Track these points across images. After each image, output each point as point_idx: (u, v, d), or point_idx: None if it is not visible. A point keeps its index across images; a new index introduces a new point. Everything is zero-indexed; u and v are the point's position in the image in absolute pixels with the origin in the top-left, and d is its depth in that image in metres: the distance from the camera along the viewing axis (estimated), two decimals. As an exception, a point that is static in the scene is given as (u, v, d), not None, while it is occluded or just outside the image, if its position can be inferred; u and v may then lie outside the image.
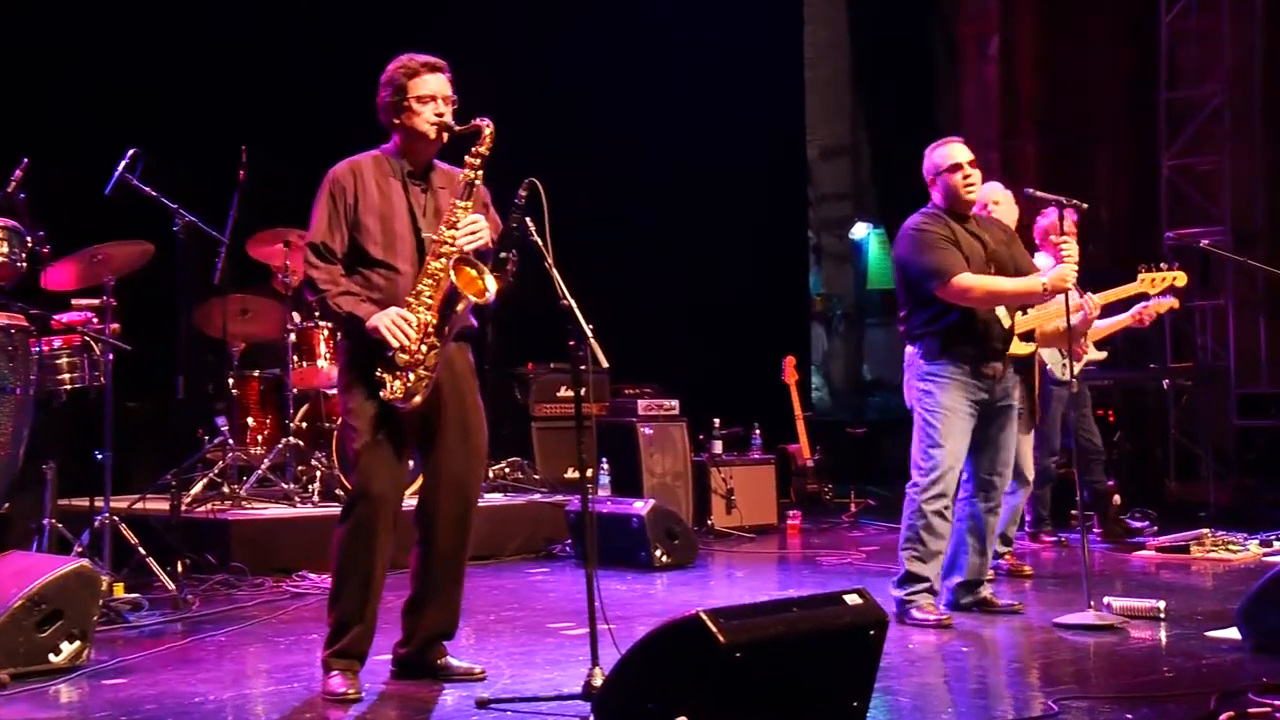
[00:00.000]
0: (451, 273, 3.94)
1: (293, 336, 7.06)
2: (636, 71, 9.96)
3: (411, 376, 3.93)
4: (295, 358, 7.07)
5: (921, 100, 12.02)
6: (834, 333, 12.76)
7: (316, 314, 7.03)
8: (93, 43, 7.78)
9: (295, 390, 7.07)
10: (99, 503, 5.59)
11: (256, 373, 7.27)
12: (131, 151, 5.95)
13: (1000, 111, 11.24)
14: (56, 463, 5.64)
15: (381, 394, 3.93)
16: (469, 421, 4.13)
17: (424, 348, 3.94)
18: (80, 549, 5.45)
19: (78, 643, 4.30)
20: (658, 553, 6.57)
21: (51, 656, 4.24)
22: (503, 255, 4.05)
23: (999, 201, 5.85)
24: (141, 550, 5.62)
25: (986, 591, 5.25)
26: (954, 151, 5.12)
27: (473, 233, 3.98)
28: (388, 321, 3.92)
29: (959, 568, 5.20)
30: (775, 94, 11.30)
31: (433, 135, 4.06)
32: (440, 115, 4.06)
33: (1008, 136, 11.24)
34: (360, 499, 3.99)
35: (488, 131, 4.02)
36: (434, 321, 3.95)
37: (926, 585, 5.01)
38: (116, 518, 5.62)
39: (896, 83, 12.09)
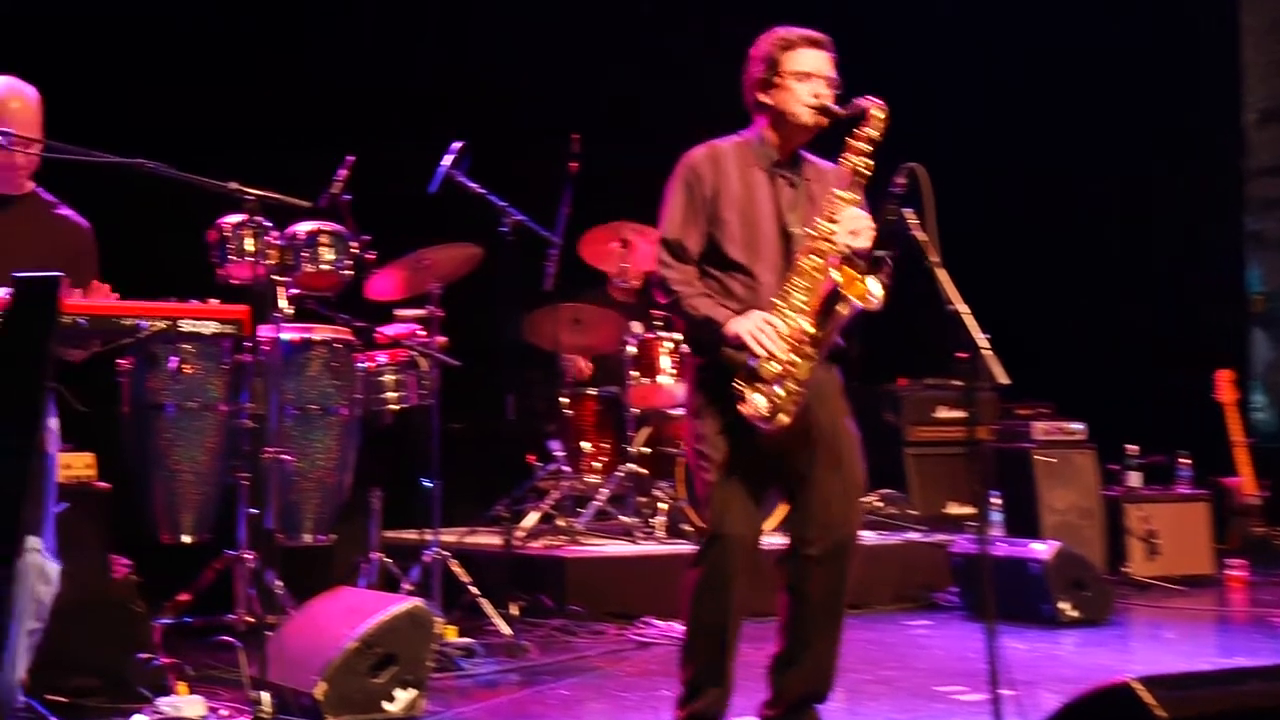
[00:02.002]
0: (834, 272, 3.92)
1: (632, 349, 7.24)
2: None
3: (780, 391, 3.90)
4: (635, 373, 7.25)
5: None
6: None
7: (660, 322, 7.20)
8: (409, 33, 8.28)
9: (635, 410, 7.26)
10: (428, 535, 5.92)
11: (592, 390, 7.49)
12: (458, 145, 6.24)
13: None
14: (382, 490, 6.03)
15: (740, 408, 3.91)
16: (842, 450, 4.10)
17: (795, 358, 3.92)
18: (410, 586, 5.78)
19: (412, 691, 4.52)
20: (1063, 605, 6.38)
21: (386, 705, 4.47)
22: (879, 253, 4.03)
23: None
24: (473, 589, 5.89)
25: None
26: None
27: (857, 229, 3.95)
28: (751, 326, 3.92)
29: None
30: (1198, 44, 10.76)
31: (807, 119, 4.05)
32: (818, 96, 4.05)
33: None
34: (715, 540, 4.02)
35: (878, 114, 3.97)
36: (809, 329, 3.94)
37: None
38: (447, 553, 5.93)
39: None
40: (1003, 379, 3.83)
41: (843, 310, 3.92)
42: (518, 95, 8.43)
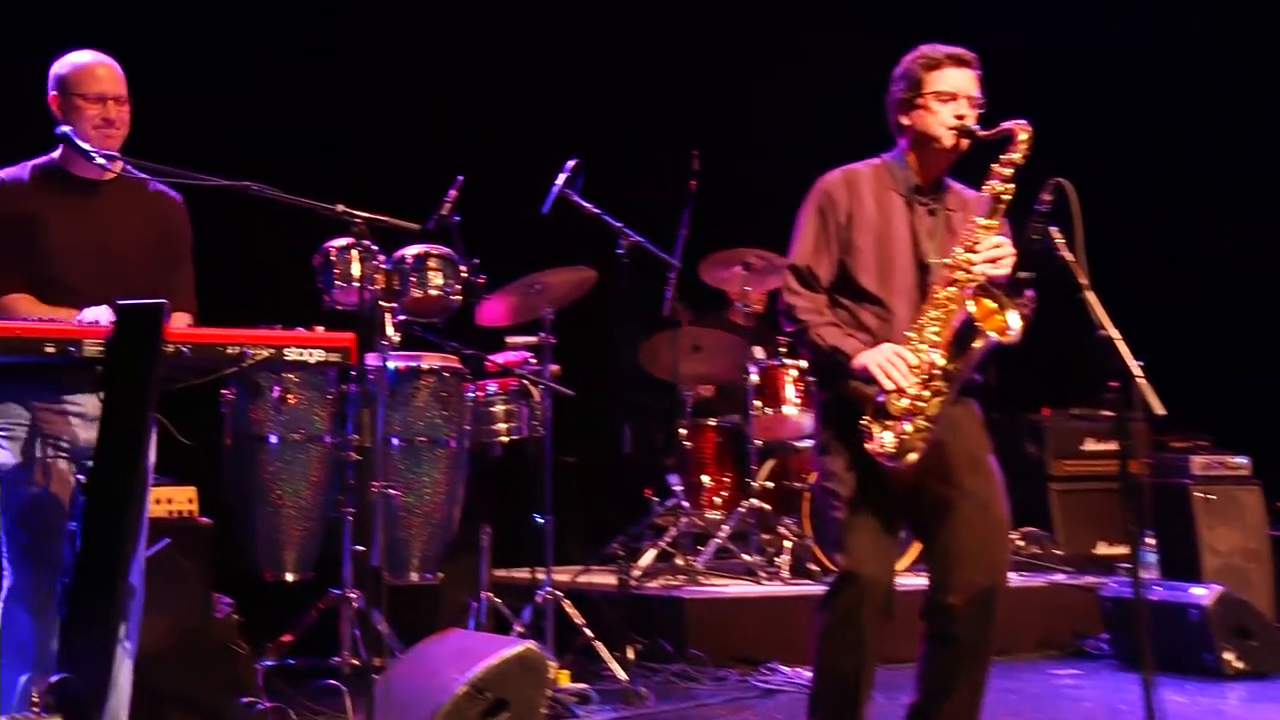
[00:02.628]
0: (969, 303, 3.89)
1: (755, 377, 7.21)
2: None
3: (908, 428, 3.88)
4: (758, 403, 7.22)
5: None
6: None
7: (784, 349, 7.17)
8: (519, 46, 8.34)
9: (758, 442, 7.22)
10: (540, 574, 5.92)
11: (713, 421, 7.47)
12: (572, 163, 6.26)
13: None
14: (492, 527, 6.05)
15: (867, 445, 3.91)
16: (985, 487, 4.05)
17: (926, 393, 3.89)
18: (521, 628, 5.78)
19: (527, 739, 4.53)
20: (1228, 655, 6.21)
21: (496, 753, 4.48)
22: (1021, 275, 3.98)
23: None
24: (588, 632, 5.88)
25: None
26: None
27: (996, 258, 3.91)
28: (880, 359, 3.90)
29: None
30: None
31: (948, 141, 4.03)
32: (961, 118, 4.02)
33: None
34: (847, 583, 3.98)
35: (1023, 137, 3.93)
36: (941, 362, 3.91)
37: None
38: (560, 593, 5.92)
39: None
40: (1158, 409, 3.77)
41: (978, 344, 3.89)
42: (635, 109, 8.44)
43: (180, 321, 4.06)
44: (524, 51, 8.40)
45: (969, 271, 3.91)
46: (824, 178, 4.16)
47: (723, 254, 7.31)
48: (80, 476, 3.92)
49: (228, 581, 5.14)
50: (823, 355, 4.05)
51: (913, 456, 3.89)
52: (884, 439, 3.90)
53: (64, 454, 3.98)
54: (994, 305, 3.88)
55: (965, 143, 4.02)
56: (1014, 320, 3.87)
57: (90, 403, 3.91)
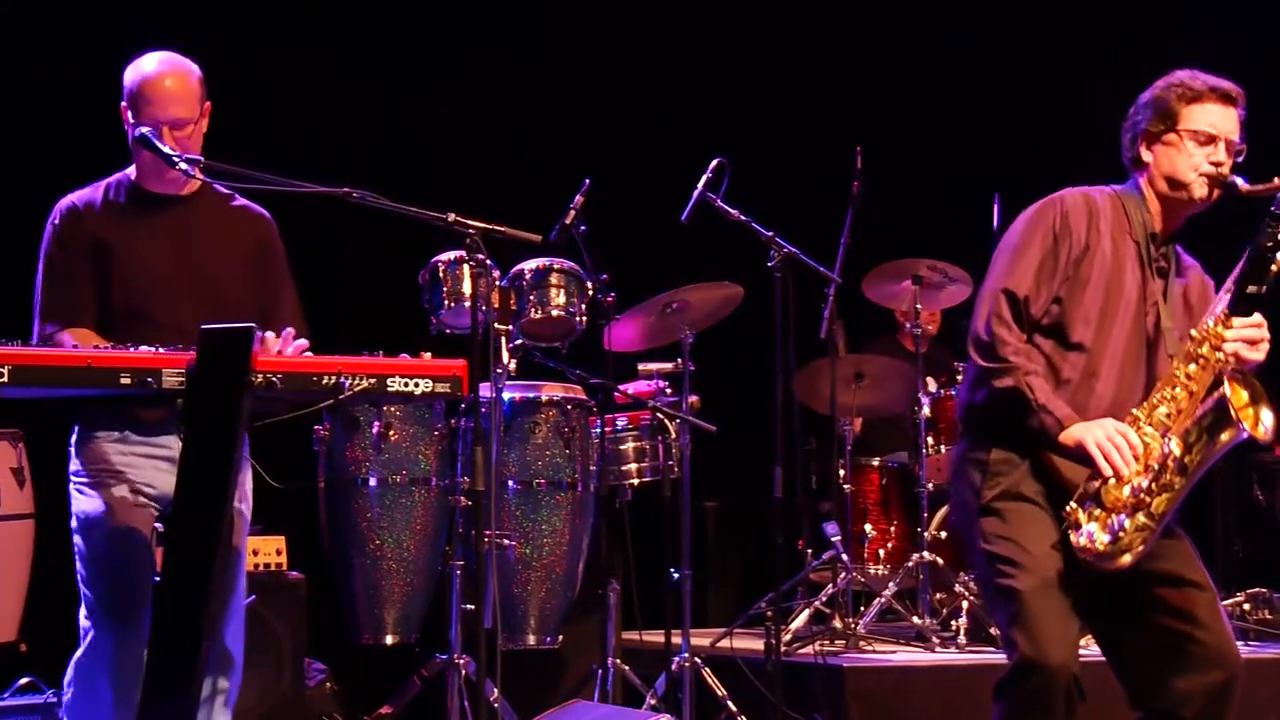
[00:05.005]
0: (1226, 387, 3.82)
1: (926, 410, 7.15)
2: None
3: (1125, 524, 3.84)
4: (930, 439, 7.17)
5: None
6: None
7: (961, 377, 7.09)
8: (654, 32, 8.35)
9: (930, 485, 7.15)
10: (676, 638, 5.90)
11: (877, 461, 7.42)
12: (715, 163, 6.25)
13: None
14: (621, 583, 6.05)
15: (1071, 536, 3.87)
16: (1191, 552, 4.05)
17: (1153, 485, 3.85)
18: (654, 700, 5.78)
19: (658, 829, 4.53)
20: None
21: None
22: (1250, 290, 3.91)
23: None
24: (731, 705, 5.85)
25: None
26: None
27: (1255, 340, 3.90)
28: (1103, 437, 3.84)
29: None
30: None
31: (1199, 191, 4.00)
32: (1219, 165, 3.98)
33: None
34: (1033, 669, 3.87)
35: None
36: (1177, 452, 3.86)
37: None
38: (699, 659, 5.90)
39: None
40: None
41: (1226, 435, 3.85)
42: (787, 102, 8.42)
43: (294, 349, 4.07)
44: (660, 37, 8.41)
45: (1220, 348, 3.87)
46: (1063, 195, 4.09)
47: (889, 266, 7.26)
48: (158, 525, 3.99)
49: (321, 644, 5.19)
50: (1024, 409, 3.95)
51: (1127, 559, 3.85)
52: (1094, 532, 3.86)
53: (149, 502, 4.06)
54: (1245, 394, 3.85)
55: (1215, 195, 3.99)
56: (1268, 418, 3.85)
57: (179, 445, 3.97)
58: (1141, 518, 3.84)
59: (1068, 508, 3.88)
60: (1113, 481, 3.84)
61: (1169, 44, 7.04)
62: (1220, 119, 4.00)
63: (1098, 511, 3.86)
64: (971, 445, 4.11)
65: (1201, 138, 3.99)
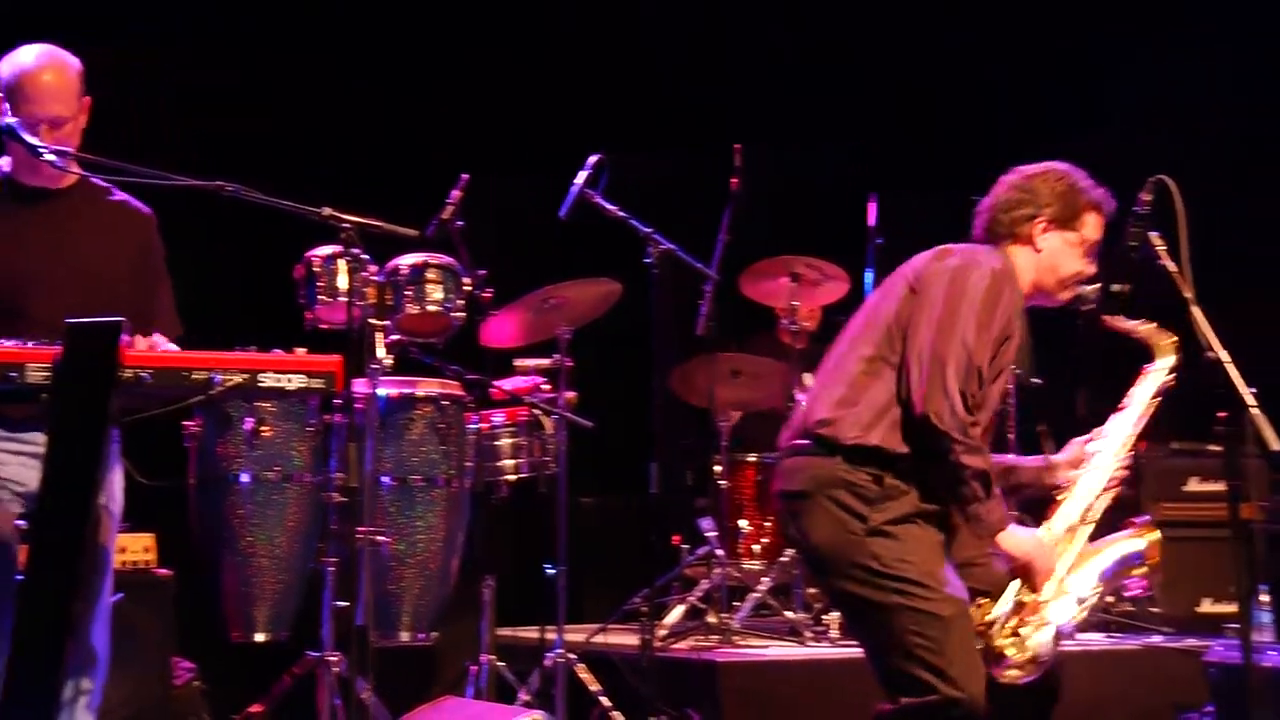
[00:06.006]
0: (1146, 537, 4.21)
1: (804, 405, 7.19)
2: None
3: (1029, 646, 4.03)
4: (806, 437, 7.21)
5: None
6: None
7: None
8: (536, 27, 8.34)
9: (806, 482, 7.19)
10: (550, 634, 5.91)
11: (753, 457, 7.45)
12: (594, 159, 6.25)
13: None
14: (495, 579, 6.04)
15: (997, 669, 4.00)
16: None
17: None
18: (528, 696, 5.78)
19: (531, 826, 4.53)
20: (1353, 735, 6.19)
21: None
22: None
23: None
24: (605, 700, 5.86)
25: None
26: None
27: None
28: (1048, 566, 4.04)
29: None
30: None
31: (1067, 295, 4.13)
32: (1083, 283, 4.12)
33: None
34: (956, 705, 3.86)
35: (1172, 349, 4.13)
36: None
37: None
38: (573, 655, 5.90)
39: None
40: (1274, 443, 3.80)
41: (1138, 571, 4.27)
42: (665, 98, 8.43)
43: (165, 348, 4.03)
44: (539, 31, 8.40)
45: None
46: (1005, 269, 4.06)
47: (767, 263, 7.28)
48: (20, 523, 3.93)
49: (190, 642, 5.13)
50: (955, 480, 3.92)
51: (1013, 675, 4.04)
52: (1016, 659, 4.03)
53: (14, 498, 4.00)
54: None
55: (1064, 306, 4.16)
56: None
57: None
58: (1029, 646, 4.04)
59: (1004, 629, 4.04)
60: (1034, 601, 4.04)
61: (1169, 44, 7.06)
62: (1098, 235, 4.14)
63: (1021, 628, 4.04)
64: (854, 468, 3.99)
65: (1090, 248, 4.11)
